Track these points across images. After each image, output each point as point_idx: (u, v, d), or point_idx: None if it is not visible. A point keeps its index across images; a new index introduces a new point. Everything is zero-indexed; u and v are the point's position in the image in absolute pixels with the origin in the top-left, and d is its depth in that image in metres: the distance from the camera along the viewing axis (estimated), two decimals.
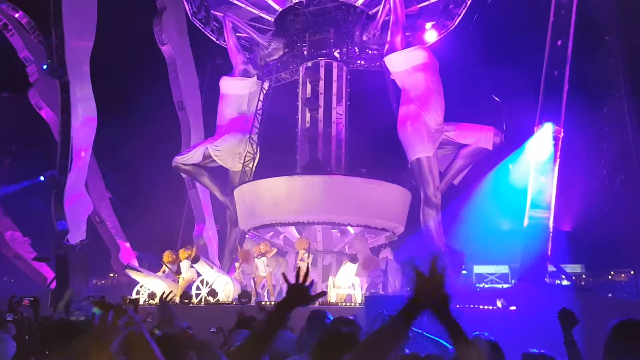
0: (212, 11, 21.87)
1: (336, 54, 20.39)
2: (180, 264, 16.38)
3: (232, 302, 15.02)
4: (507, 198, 16.60)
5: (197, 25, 21.89)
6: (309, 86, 20.03)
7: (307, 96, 19.95)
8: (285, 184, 17.30)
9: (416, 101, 17.14)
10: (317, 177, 17.38)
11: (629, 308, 13.47)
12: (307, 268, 2.54)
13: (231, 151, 19.63)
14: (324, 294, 2.99)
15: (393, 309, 2.27)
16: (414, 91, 17.36)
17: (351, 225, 17.31)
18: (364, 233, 17.71)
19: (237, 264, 16.99)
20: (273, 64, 21.49)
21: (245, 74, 20.27)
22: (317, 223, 17.31)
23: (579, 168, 17.33)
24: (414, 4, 20.56)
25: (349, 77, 20.38)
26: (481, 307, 12.95)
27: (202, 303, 15.20)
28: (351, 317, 3.67)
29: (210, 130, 21.37)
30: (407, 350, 3.86)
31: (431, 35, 19.97)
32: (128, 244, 23.93)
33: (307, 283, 2.46)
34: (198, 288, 15.76)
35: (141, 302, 15.45)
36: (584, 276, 26.03)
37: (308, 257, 15.91)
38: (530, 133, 16.44)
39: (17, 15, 23.61)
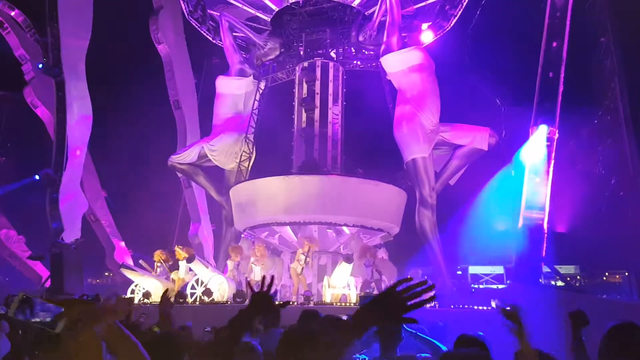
0: (208, 10, 21.84)
1: (332, 54, 20.43)
2: (180, 263, 16.32)
3: (227, 302, 15.03)
4: (502, 199, 16.62)
5: (194, 24, 21.84)
6: (305, 86, 20.02)
7: (304, 96, 19.95)
8: (281, 184, 17.29)
9: (412, 102, 17.15)
10: (313, 177, 17.36)
11: (623, 309, 13.56)
12: (272, 278, 2.65)
13: (227, 151, 19.59)
14: (288, 304, 3.12)
15: None
16: (410, 92, 17.36)
17: (347, 226, 17.30)
18: (359, 233, 17.72)
19: (229, 262, 16.89)
20: (269, 63, 21.49)
21: (242, 73, 20.22)
22: (312, 223, 17.32)
23: (573, 169, 17.38)
24: (410, 5, 20.66)
25: (345, 77, 20.44)
26: (476, 307, 13.02)
27: (197, 302, 15.20)
28: (344, 318, 3.68)
29: (206, 129, 21.33)
30: (399, 352, 3.89)
31: (427, 36, 19.98)
32: (123, 243, 23.93)
33: (271, 292, 2.60)
34: (193, 287, 15.71)
35: (136, 301, 15.44)
36: (578, 277, 26.17)
37: (305, 260, 15.76)
38: (525, 135, 16.47)
39: (13, 13, 23.52)
